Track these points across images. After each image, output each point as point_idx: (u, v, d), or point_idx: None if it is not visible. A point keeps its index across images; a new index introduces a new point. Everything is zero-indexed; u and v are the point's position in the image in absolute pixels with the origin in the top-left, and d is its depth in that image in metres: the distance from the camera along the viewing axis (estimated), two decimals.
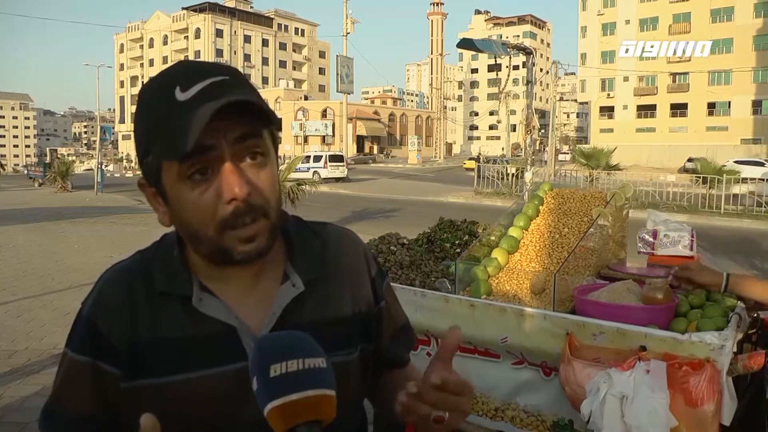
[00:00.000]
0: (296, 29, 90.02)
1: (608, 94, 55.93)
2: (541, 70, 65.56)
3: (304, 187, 11.17)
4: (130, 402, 0.79)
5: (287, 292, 0.83)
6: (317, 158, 30.76)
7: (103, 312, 0.81)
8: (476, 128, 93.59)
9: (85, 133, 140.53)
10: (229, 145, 0.74)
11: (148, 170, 0.78)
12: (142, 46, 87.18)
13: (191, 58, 72.11)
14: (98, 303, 0.82)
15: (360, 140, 66.42)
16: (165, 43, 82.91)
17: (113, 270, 0.86)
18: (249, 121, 0.75)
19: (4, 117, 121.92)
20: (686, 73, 50.17)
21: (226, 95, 0.72)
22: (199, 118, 0.70)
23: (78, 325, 0.83)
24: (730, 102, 48.93)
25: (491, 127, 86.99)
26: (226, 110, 0.71)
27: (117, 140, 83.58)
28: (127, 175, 43.98)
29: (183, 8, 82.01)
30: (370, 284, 0.94)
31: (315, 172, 25.96)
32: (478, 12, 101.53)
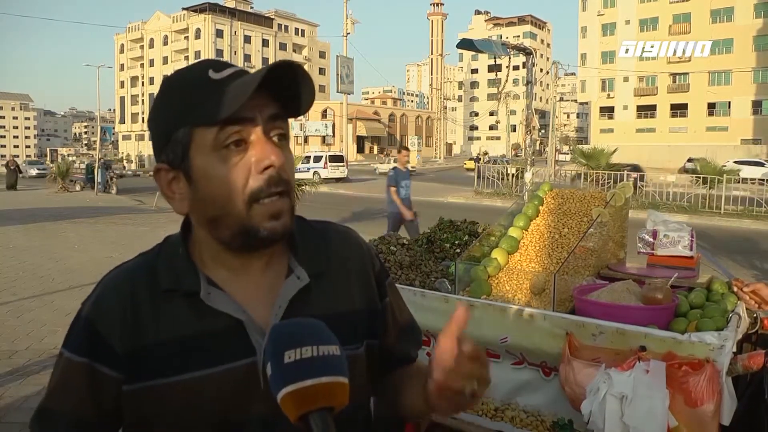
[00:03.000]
0: (296, 29, 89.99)
1: (608, 95, 55.92)
2: (541, 70, 65.61)
3: (304, 187, 11.15)
4: (136, 404, 0.78)
5: (292, 284, 0.83)
6: (317, 158, 30.75)
7: (103, 314, 0.80)
8: (476, 128, 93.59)
9: (86, 133, 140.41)
10: (264, 121, 0.77)
11: (173, 148, 0.78)
12: (142, 47, 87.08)
13: (191, 58, 72.13)
14: (98, 305, 0.81)
15: (360, 140, 66.43)
16: (165, 43, 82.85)
17: (115, 272, 0.85)
18: (279, 103, 0.78)
19: (4, 117, 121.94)
20: (686, 74, 50.17)
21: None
22: (246, 81, 0.74)
23: (76, 326, 0.81)
24: (730, 102, 48.93)
25: (491, 128, 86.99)
26: (265, 85, 0.74)
27: (117, 140, 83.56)
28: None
29: (183, 9, 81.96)
30: (374, 281, 0.94)
31: (315, 173, 25.94)
32: (478, 12, 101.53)
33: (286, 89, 0.77)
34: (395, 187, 7.97)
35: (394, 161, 9.67)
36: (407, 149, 8.76)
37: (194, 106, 0.75)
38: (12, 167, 27.46)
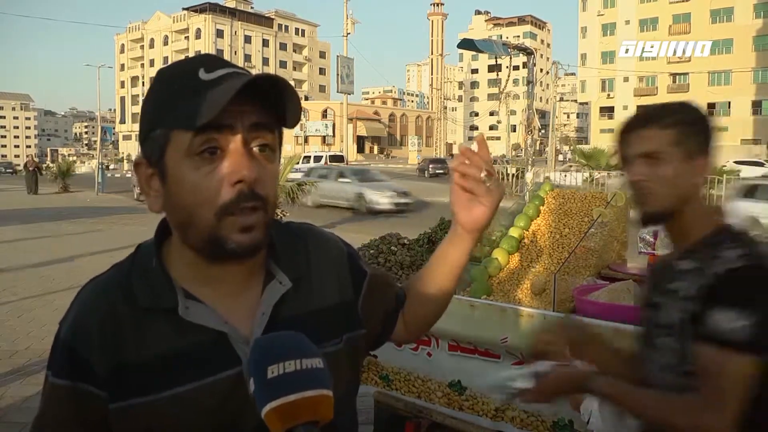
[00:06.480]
0: (296, 30, 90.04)
1: (608, 95, 55.97)
2: (541, 70, 65.51)
3: (304, 187, 11.15)
4: (123, 422, 0.76)
5: (275, 290, 0.82)
6: (318, 158, 30.75)
7: (81, 335, 0.77)
8: (476, 128, 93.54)
9: (86, 133, 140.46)
10: (244, 130, 0.74)
11: (151, 146, 0.76)
12: (142, 47, 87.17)
13: None
14: (76, 326, 0.79)
15: (360, 140, 66.44)
16: (165, 43, 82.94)
17: (89, 288, 0.82)
18: (267, 112, 0.75)
19: (5, 117, 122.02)
20: (686, 74, 50.20)
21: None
22: (228, 88, 0.70)
23: (56, 349, 0.79)
24: (729, 102, 48.96)
25: (491, 128, 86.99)
26: (250, 92, 0.71)
27: (117, 140, 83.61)
28: (127, 176, 43.87)
29: (183, 9, 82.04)
30: (348, 267, 0.94)
31: None
32: (478, 12, 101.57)
33: (275, 100, 0.75)
34: None
35: None
36: None
37: (175, 107, 0.73)
38: (31, 168, 24.12)
